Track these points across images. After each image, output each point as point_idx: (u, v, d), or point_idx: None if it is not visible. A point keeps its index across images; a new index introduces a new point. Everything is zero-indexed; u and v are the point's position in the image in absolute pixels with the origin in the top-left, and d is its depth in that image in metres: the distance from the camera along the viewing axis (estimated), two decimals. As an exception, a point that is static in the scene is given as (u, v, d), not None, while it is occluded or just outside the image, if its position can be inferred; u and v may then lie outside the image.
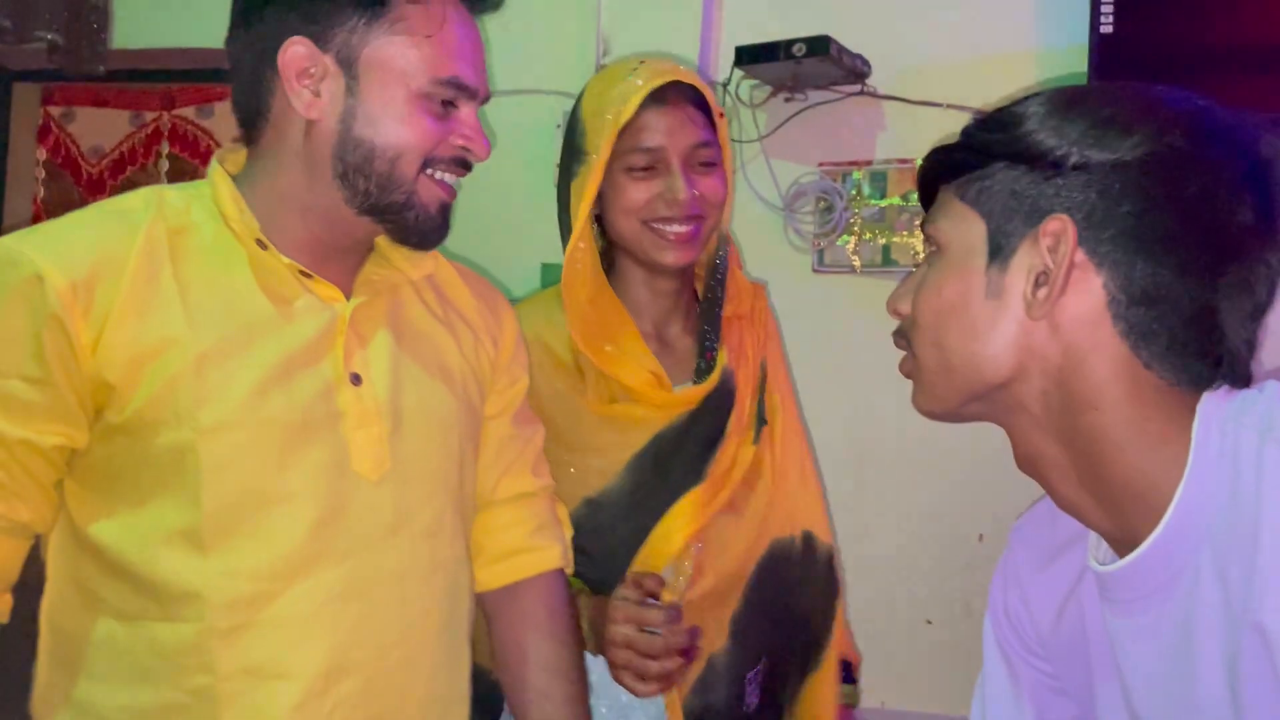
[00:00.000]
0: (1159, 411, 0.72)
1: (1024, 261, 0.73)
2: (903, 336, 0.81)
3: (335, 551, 1.03)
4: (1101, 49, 2.04)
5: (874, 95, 2.25)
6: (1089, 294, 0.72)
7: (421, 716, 1.10)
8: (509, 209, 2.52)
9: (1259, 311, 0.72)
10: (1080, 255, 0.71)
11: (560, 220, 1.48)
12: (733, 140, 2.38)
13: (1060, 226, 0.71)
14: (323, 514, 1.03)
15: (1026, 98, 0.76)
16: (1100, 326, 0.72)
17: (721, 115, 1.46)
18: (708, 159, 1.41)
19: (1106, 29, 2.06)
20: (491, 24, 2.35)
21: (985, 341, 0.74)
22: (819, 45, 2.08)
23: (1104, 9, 2.02)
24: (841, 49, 2.14)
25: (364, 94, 1.03)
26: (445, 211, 1.10)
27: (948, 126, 2.07)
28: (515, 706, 1.22)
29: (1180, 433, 0.71)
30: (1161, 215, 0.70)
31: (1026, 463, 0.79)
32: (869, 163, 2.26)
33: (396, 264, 1.14)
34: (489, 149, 1.10)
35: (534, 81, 2.46)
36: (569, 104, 2.41)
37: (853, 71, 2.19)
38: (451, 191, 1.10)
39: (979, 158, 0.75)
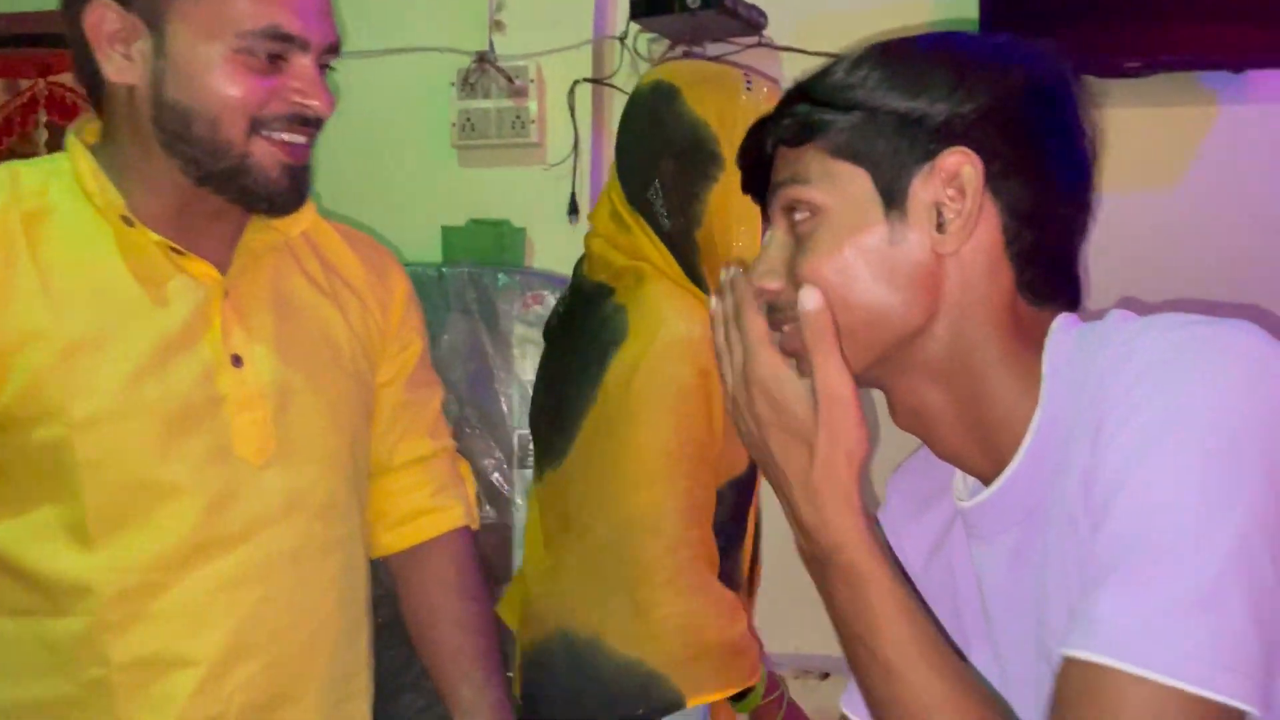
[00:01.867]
0: (1026, 341, 0.74)
1: (921, 201, 0.72)
2: (779, 312, 0.77)
3: (227, 538, 1.01)
4: (992, -3, 2.07)
5: (772, 47, 2.25)
6: (987, 222, 0.73)
7: (323, 692, 1.10)
8: (406, 170, 2.46)
9: (1090, 221, 0.78)
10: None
11: (672, 206, 1.44)
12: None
13: (960, 159, 0.71)
14: (211, 502, 1.00)
15: (868, 50, 0.76)
16: (996, 254, 0.73)
17: None
18: None
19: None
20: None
21: (896, 288, 0.73)
22: (714, -3, 2.07)
23: (994, -44, 2.04)
24: (737, 0, 2.12)
25: (172, 53, 0.97)
26: (293, 174, 1.02)
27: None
28: (430, 664, 1.22)
29: (1037, 362, 0.74)
30: (1042, 140, 0.73)
31: (910, 416, 0.78)
32: (769, 115, 2.26)
33: (274, 224, 1.08)
34: (331, 103, 1.01)
35: (428, 39, 2.40)
36: (464, 61, 2.37)
37: (749, 23, 2.18)
38: (295, 151, 1.01)
39: (848, 113, 0.74)
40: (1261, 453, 0.61)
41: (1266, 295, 1.94)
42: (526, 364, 1.90)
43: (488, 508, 1.86)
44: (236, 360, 1.02)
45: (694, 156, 1.41)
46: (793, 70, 2.23)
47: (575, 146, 2.32)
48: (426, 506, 1.24)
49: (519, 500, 1.88)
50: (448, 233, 2.27)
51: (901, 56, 0.74)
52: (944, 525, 0.85)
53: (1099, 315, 0.75)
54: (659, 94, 1.46)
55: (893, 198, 0.73)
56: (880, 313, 0.73)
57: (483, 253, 2.20)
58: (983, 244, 0.73)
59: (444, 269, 1.97)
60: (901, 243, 0.72)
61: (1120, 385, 0.66)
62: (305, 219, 1.11)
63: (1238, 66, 2.02)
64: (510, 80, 2.32)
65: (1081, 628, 0.63)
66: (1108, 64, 2.04)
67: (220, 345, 1.02)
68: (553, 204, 2.33)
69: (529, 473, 1.89)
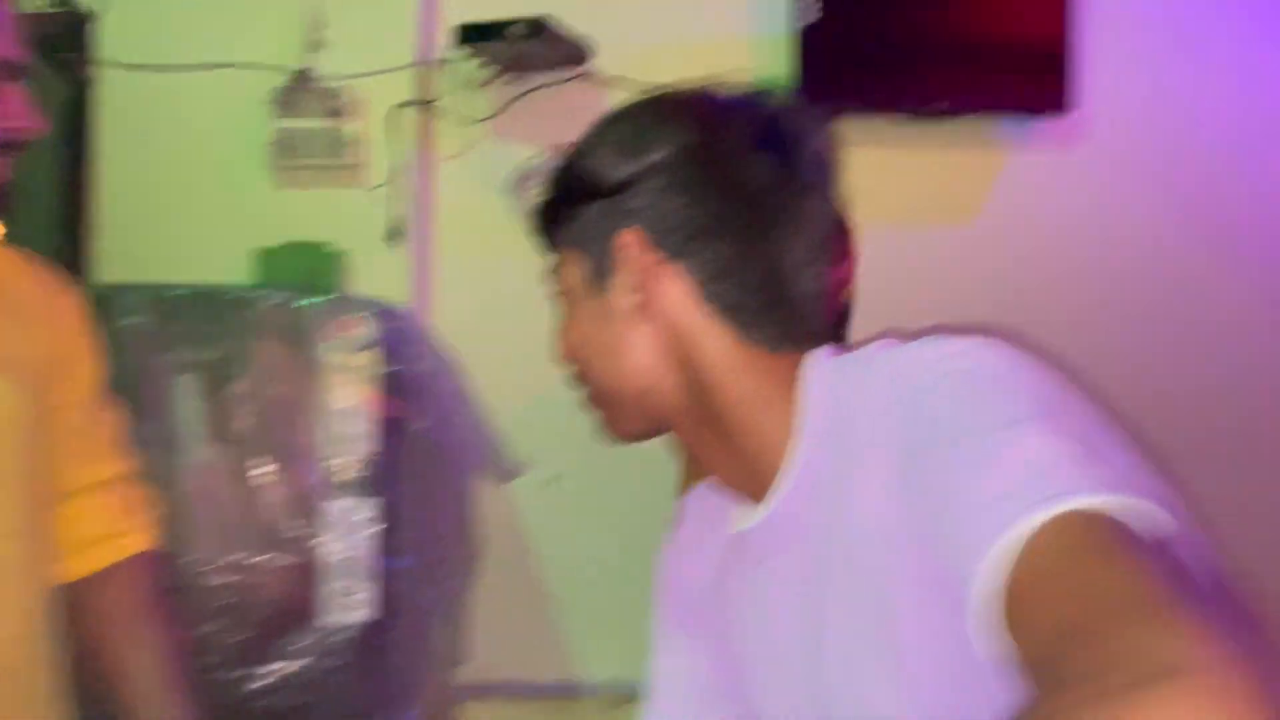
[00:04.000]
0: (771, 379, 0.79)
1: (621, 280, 0.79)
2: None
3: None
4: (806, 39, 2.15)
5: (594, 80, 2.27)
6: (676, 285, 0.78)
7: (23, 716, 1.10)
8: (219, 190, 2.38)
9: (817, 259, 0.81)
10: (660, 255, 0.78)
11: None
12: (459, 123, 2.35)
13: (629, 237, 0.78)
14: None
15: (595, 126, 0.82)
16: (696, 311, 0.79)
17: None
18: None
19: (812, 19, 2.17)
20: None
21: (620, 357, 0.81)
22: (537, 27, 2.08)
23: (808, -1, 2.13)
24: (559, 32, 2.14)
25: None
26: (5, 194, 1.04)
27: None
28: (118, 688, 1.22)
29: (790, 396, 0.78)
30: (707, 198, 0.79)
31: (689, 448, 0.84)
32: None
33: None
34: (40, 125, 1.03)
35: (242, 54, 2.33)
36: (279, 78, 2.30)
37: (573, 55, 2.20)
38: (4, 171, 1.03)
39: (562, 202, 0.82)
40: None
41: (1049, 328, 2.07)
42: (337, 393, 1.85)
43: (291, 542, 1.80)
44: None
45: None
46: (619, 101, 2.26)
47: (397, 170, 2.29)
48: (108, 531, 1.23)
49: (323, 533, 1.82)
50: (262, 255, 2.20)
51: (589, 139, 0.81)
52: (723, 551, 0.88)
53: (864, 344, 0.79)
54: None
55: (599, 279, 0.81)
56: (611, 379, 0.82)
57: (298, 276, 2.14)
58: (676, 304, 0.79)
59: (252, 292, 1.90)
60: (609, 316, 0.80)
61: (898, 392, 0.71)
62: None
63: (1026, 112, 2.17)
64: (330, 100, 2.27)
65: (975, 537, 0.60)
66: (906, 106, 2.16)
67: None
68: (372, 228, 2.29)
69: (336, 504, 1.84)
